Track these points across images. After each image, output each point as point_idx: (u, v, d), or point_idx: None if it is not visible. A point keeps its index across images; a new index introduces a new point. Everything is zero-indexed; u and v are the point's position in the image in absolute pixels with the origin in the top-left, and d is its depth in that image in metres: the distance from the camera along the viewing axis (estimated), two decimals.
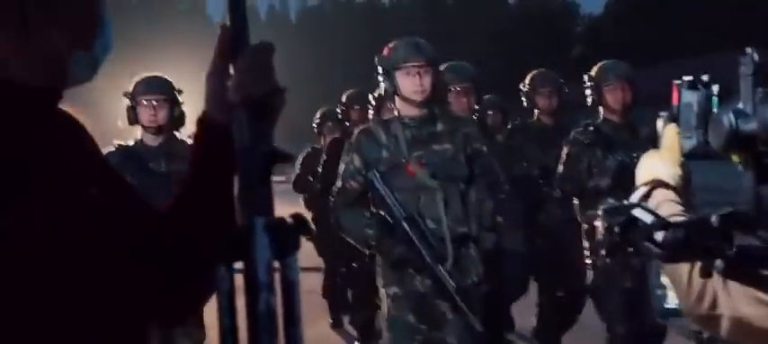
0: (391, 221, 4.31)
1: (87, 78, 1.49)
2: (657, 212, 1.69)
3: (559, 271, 6.20)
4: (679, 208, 1.86)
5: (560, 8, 60.75)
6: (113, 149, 5.03)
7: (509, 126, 6.87)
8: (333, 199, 4.58)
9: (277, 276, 1.26)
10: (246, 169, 1.28)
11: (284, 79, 1.42)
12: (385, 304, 4.50)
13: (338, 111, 7.81)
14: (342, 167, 4.55)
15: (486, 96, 7.51)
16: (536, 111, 6.62)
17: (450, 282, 4.26)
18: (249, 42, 1.39)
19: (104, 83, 1.72)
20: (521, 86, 6.78)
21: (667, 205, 1.86)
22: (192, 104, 5.18)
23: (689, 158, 1.95)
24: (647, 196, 1.94)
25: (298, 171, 8.39)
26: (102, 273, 1.38)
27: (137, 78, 5.24)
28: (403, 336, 4.42)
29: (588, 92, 5.66)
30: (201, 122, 1.53)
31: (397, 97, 4.55)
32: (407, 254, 4.30)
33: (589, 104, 5.68)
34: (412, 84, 4.45)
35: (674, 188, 1.94)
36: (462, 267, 4.39)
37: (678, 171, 1.96)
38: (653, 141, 5.82)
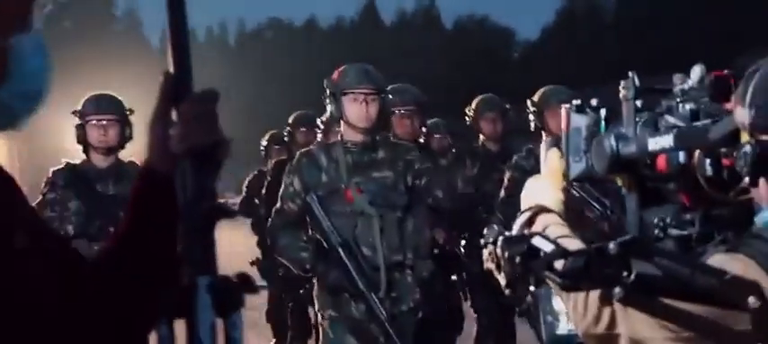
0: (327, 245, 4.34)
1: (6, 124, 1.39)
2: (550, 236, 1.68)
3: (494, 295, 6.14)
4: (567, 231, 1.87)
5: (496, 33, 61.48)
6: (61, 166, 4.94)
7: (453, 151, 6.89)
8: (271, 220, 4.60)
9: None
10: (190, 225, 1.25)
11: (223, 103, 1.37)
12: (322, 328, 4.53)
13: (285, 133, 7.77)
14: (282, 188, 4.58)
15: (432, 120, 7.59)
16: (481, 136, 6.63)
17: (382, 310, 4.28)
18: (193, 90, 1.36)
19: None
20: (466, 111, 6.79)
21: (555, 228, 1.87)
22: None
23: (576, 182, 1.97)
24: (530, 222, 1.95)
25: (244, 194, 8.38)
26: (27, 323, 1.29)
27: (86, 97, 5.07)
28: None
29: (531, 117, 5.72)
30: (143, 171, 1.45)
31: (342, 122, 4.56)
32: (341, 280, 4.33)
33: (532, 129, 5.73)
34: (358, 110, 4.46)
35: (557, 213, 1.95)
36: (397, 294, 4.43)
37: (560, 196, 1.98)
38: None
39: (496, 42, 59.76)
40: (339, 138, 4.60)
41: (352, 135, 4.53)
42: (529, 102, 5.76)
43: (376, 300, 4.28)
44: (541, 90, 5.74)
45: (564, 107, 1.97)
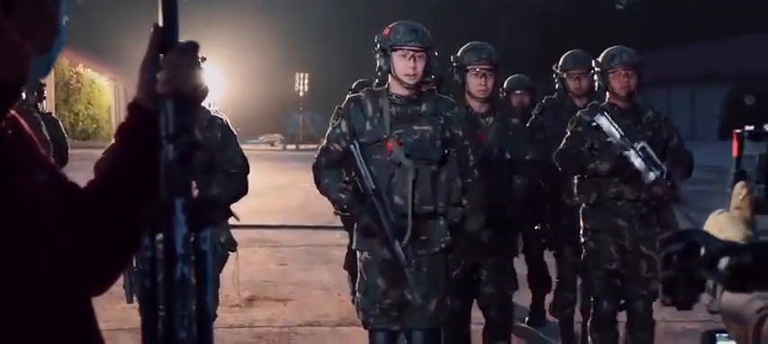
0: (362, 190, 4.66)
1: (43, 76, 1.72)
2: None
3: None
4: None
5: None
6: None
7: (543, 101, 6.93)
8: (316, 158, 4.92)
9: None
10: (170, 155, 1.44)
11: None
12: (359, 268, 4.90)
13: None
14: (330, 129, 4.89)
15: (513, 76, 7.50)
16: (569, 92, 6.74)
17: (403, 257, 4.62)
18: (178, 40, 1.56)
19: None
20: (554, 67, 6.91)
21: None
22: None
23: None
24: None
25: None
26: (48, 248, 1.57)
27: None
28: (372, 298, 4.82)
29: (595, 78, 5.82)
30: (132, 107, 1.73)
31: (390, 75, 4.85)
32: (372, 224, 4.66)
33: (596, 89, 5.88)
34: (405, 66, 4.75)
35: None
36: (428, 237, 4.76)
37: (748, 232, 1.79)
38: (653, 127, 5.82)
39: None
40: (386, 88, 4.89)
41: (398, 89, 4.83)
42: (594, 62, 5.85)
43: (399, 247, 4.60)
44: (605, 50, 5.78)
45: (735, 132, 1.80)
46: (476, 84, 5.58)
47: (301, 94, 44.53)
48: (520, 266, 7.28)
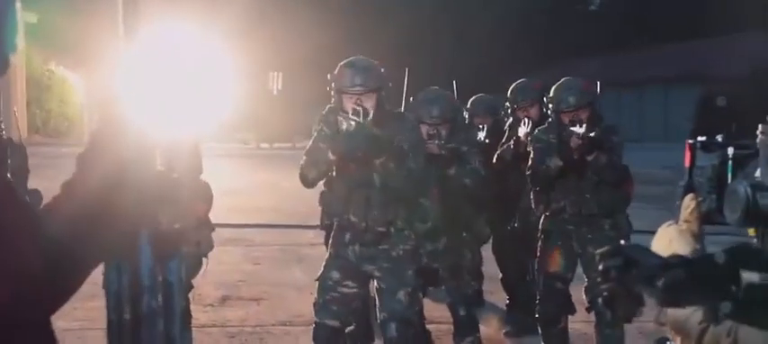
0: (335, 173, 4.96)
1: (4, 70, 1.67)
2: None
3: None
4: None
5: None
6: None
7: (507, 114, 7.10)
8: (304, 158, 5.09)
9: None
10: (138, 185, 1.40)
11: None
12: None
13: None
14: (316, 132, 5.08)
15: (475, 98, 7.52)
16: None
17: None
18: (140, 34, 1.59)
19: None
20: (507, 99, 7.04)
21: None
22: None
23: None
24: None
25: None
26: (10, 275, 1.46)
27: None
28: (323, 287, 5.06)
29: (549, 112, 5.89)
30: (93, 131, 1.66)
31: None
32: (342, 215, 4.98)
33: (549, 122, 5.92)
34: (354, 107, 4.91)
35: None
36: (388, 247, 5.00)
37: (697, 245, 1.83)
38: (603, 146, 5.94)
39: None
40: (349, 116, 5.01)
41: None
42: (545, 98, 5.94)
43: (354, 250, 4.98)
44: (557, 85, 5.83)
45: (688, 142, 1.81)
46: (425, 134, 5.74)
47: (275, 92, 44.43)
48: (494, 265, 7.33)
